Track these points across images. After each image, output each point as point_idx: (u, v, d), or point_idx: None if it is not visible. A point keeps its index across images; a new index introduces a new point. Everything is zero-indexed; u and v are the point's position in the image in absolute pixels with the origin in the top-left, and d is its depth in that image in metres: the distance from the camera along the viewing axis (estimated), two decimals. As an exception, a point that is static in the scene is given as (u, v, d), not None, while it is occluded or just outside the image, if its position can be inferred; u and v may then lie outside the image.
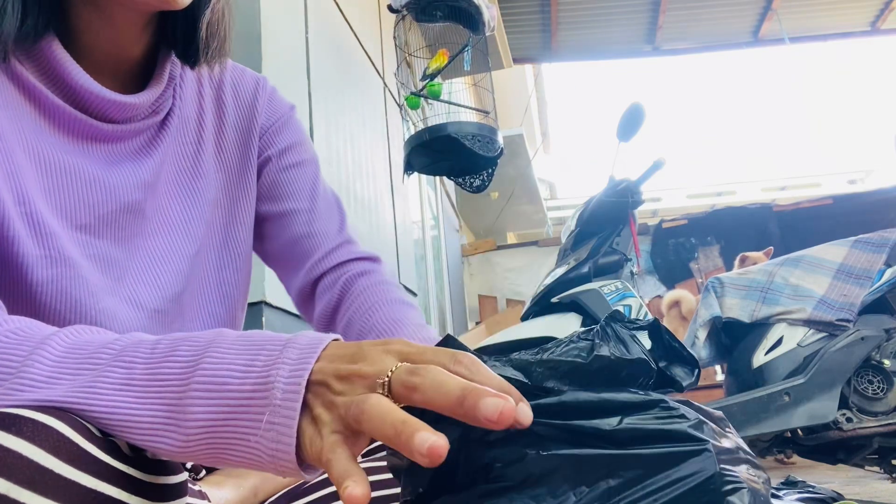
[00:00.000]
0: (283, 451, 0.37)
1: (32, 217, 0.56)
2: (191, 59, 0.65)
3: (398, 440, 0.34)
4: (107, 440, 0.42)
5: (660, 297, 5.69)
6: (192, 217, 0.68)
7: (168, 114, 0.66)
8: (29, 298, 0.55)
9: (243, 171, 0.73)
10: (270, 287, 1.96)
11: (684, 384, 0.48)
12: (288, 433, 0.37)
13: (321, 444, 0.36)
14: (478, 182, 3.15)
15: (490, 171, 3.12)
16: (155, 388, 0.41)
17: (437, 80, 3.13)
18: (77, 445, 0.39)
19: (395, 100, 4.07)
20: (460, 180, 3.19)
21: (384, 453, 0.68)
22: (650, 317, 2.32)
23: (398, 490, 0.55)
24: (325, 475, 0.61)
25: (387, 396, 0.36)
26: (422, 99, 3.12)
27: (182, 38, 0.64)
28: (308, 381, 0.37)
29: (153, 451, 0.41)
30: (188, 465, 0.64)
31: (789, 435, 2.16)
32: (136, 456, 0.43)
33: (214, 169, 0.71)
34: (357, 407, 0.35)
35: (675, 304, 4.64)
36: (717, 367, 4.47)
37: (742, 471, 0.41)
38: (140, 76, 0.65)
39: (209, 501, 0.54)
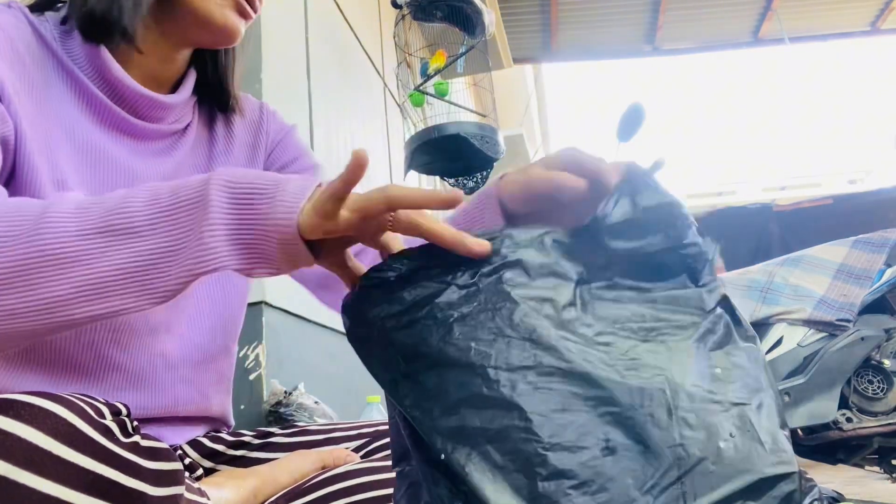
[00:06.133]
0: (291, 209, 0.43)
1: (63, 185, 0.60)
2: (213, 78, 0.74)
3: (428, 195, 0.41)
4: (105, 424, 0.42)
5: (660, 297, 5.67)
6: None
7: (187, 126, 0.73)
8: None
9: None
10: (270, 287, 1.96)
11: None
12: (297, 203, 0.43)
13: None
14: (472, 184, 3.14)
15: (485, 173, 3.12)
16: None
17: (438, 78, 3.13)
18: (76, 428, 0.40)
19: (395, 100, 4.07)
20: (453, 182, 3.18)
21: (384, 454, 0.68)
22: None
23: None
24: (322, 477, 0.61)
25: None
26: (424, 98, 3.12)
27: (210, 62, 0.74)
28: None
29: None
30: (185, 462, 0.65)
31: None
32: (133, 442, 0.43)
33: None
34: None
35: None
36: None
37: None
38: (170, 89, 0.72)
39: (209, 500, 0.54)
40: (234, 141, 0.78)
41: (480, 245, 0.42)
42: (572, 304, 0.43)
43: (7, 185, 0.58)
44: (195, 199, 0.44)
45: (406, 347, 0.41)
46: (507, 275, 0.43)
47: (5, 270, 0.42)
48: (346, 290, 0.80)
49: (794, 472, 0.40)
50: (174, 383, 0.68)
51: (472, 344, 0.40)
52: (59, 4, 0.68)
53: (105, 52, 0.64)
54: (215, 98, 0.76)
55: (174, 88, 0.71)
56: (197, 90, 0.74)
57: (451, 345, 0.40)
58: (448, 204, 0.42)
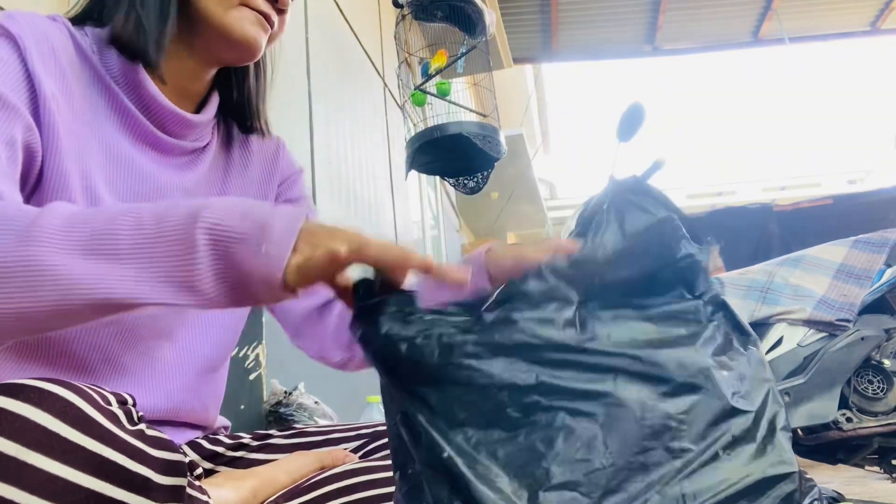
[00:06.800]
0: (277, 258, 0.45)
1: (92, 191, 0.62)
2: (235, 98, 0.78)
3: (405, 256, 0.45)
4: (112, 411, 0.42)
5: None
6: None
7: (206, 145, 0.75)
8: None
9: (263, 187, 0.82)
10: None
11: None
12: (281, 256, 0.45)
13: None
14: (472, 184, 3.13)
15: (486, 172, 3.11)
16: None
17: (438, 78, 3.12)
18: (84, 412, 0.40)
19: (395, 100, 4.06)
20: (454, 181, 3.17)
21: (382, 454, 0.68)
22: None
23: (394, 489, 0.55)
24: (321, 477, 0.61)
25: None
26: (426, 97, 3.12)
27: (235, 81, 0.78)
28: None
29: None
30: (186, 460, 0.65)
31: (789, 435, 2.16)
32: (139, 430, 0.44)
33: (240, 193, 0.79)
34: (360, 237, 0.45)
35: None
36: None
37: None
38: (195, 106, 0.74)
39: (209, 498, 0.54)
40: (249, 167, 0.80)
41: (460, 272, 0.46)
42: (572, 324, 0.43)
43: (34, 190, 0.59)
44: (180, 237, 0.45)
45: (413, 365, 0.42)
46: (509, 303, 0.44)
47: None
48: (316, 340, 0.82)
49: (793, 472, 0.40)
50: (177, 391, 0.68)
51: (474, 363, 0.41)
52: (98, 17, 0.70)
53: (140, 69, 0.66)
54: (239, 119, 0.78)
55: (199, 105, 0.74)
56: (219, 111, 0.76)
57: (455, 365, 0.41)
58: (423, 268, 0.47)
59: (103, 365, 0.64)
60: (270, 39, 0.72)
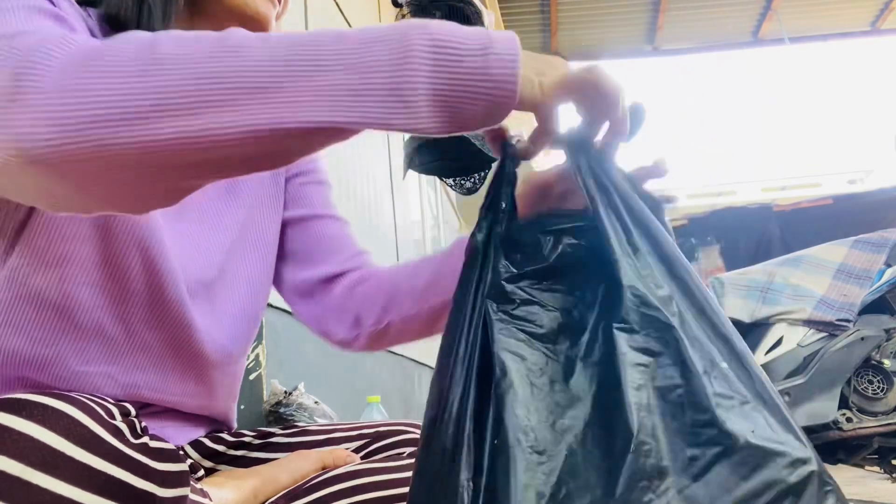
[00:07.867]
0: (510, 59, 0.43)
1: None
2: None
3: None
4: (115, 425, 0.42)
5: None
6: (227, 212, 0.73)
7: None
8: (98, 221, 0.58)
9: (274, 181, 0.80)
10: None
11: None
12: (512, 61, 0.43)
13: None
14: (469, 184, 3.13)
15: (484, 173, 3.11)
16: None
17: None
18: (88, 429, 0.40)
19: (395, 100, 4.06)
20: (451, 182, 3.17)
21: (384, 454, 0.68)
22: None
23: (401, 490, 0.56)
24: (323, 477, 0.61)
25: None
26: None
27: None
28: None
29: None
30: (187, 463, 0.65)
31: (789, 435, 2.16)
32: (142, 443, 0.44)
33: (250, 180, 0.77)
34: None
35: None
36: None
37: None
38: None
39: (210, 500, 0.54)
40: None
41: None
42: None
43: None
44: (392, 44, 0.42)
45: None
46: None
47: (192, 90, 0.39)
48: (322, 302, 0.81)
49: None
50: (190, 377, 0.68)
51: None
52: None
53: None
54: None
55: None
56: None
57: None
58: None
59: (125, 338, 0.63)
60: (276, 18, 0.71)
